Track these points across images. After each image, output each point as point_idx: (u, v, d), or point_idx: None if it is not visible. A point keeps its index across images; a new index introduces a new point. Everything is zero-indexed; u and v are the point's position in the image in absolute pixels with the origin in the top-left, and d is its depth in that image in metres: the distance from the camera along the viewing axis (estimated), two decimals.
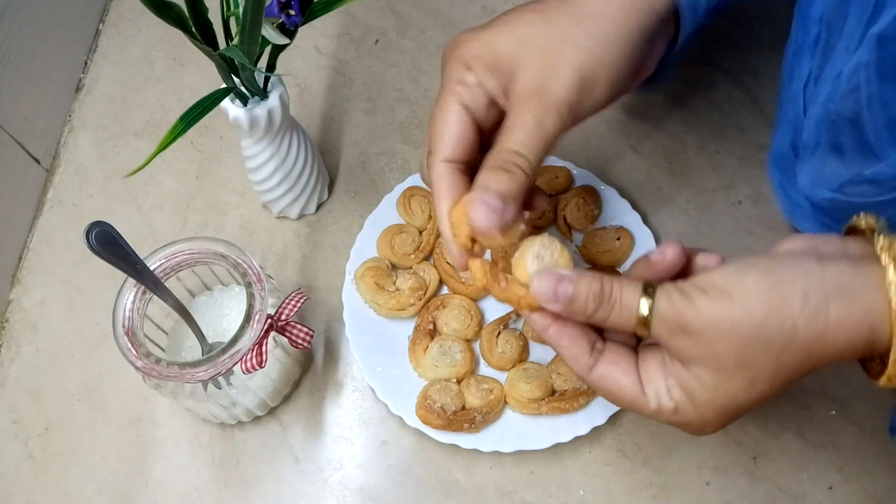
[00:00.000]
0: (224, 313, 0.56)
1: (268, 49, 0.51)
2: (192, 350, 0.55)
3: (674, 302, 0.36)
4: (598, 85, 0.41)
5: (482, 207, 0.39)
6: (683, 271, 0.40)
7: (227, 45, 0.48)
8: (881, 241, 0.35)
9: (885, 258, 0.34)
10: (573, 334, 0.40)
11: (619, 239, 0.60)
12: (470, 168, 0.44)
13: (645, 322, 0.37)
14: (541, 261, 0.39)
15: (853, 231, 0.38)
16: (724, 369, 0.36)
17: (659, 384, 0.38)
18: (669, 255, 0.39)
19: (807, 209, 0.55)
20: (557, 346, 0.41)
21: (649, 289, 0.37)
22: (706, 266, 0.40)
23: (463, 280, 0.59)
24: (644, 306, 0.37)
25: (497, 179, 0.40)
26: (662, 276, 0.40)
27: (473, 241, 0.41)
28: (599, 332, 0.42)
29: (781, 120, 0.58)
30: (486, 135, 0.45)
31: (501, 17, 0.44)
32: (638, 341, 0.42)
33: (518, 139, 0.40)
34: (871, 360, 0.37)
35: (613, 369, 0.40)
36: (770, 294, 0.34)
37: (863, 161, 0.46)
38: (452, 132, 0.43)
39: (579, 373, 0.41)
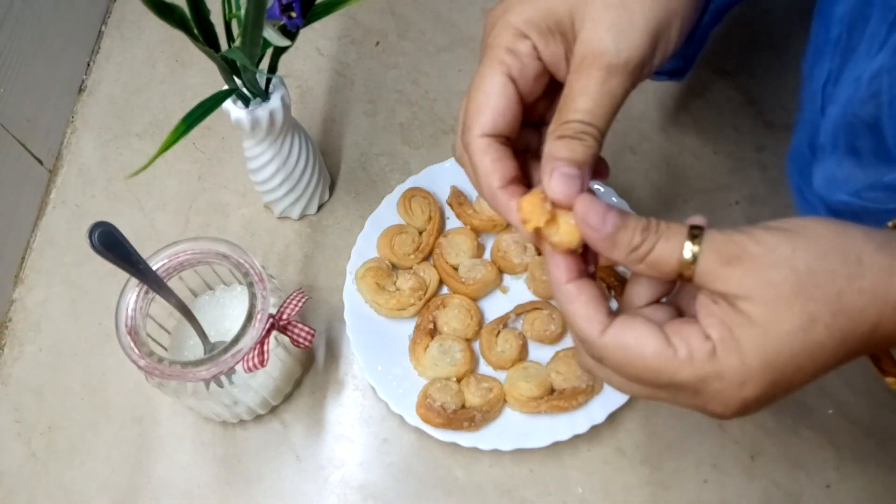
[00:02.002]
0: (226, 313, 0.57)
1: (269, 51, 0.51)
2: (195, 349, 0.55)
3: (726, 233, 0.33)
4: (671, 38, 0.38)
5: (561, 178, 0.35)
6: None
7: (229, 46, 0.48)
8: None
9: None
10: (593, 294, 0.36)
11: None
12: (510, 144, 0.40)
13: (690, 262, 0.33)
14: None
15: None
16: (782, 299, 0.31)
17: (690, 331, 0.33)
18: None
19: (821, 210, 0.55)
20: (573, 303, 0.36)
21: (694, 228, 0.34)
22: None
23: (463, 280, 0.59)
24: (691, 245, 0.33)
25: (571, 148, 0.36)
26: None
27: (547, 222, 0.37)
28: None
29: (801, 119, 0.58)
30: (527, 107, 0.40)
31: None
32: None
33: (585, 107, 0.36)
34: (884, 357, 0.36)
35: (630, 324, 0.34)
36: (832, 229, 0.32)
37: (880, 166, 0.46)
38: (495, 105, 0.38)
39: (589, 336, 0.35)
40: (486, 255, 0.62)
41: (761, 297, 0.31)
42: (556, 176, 0.35)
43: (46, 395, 0.59)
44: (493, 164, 0.38)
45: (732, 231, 0.33)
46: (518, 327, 0.59)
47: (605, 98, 0.36)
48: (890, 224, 0.38)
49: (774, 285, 0.31)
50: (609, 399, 0.55)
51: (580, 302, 0.36)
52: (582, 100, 0.36)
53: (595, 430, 0.54)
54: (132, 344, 0.48)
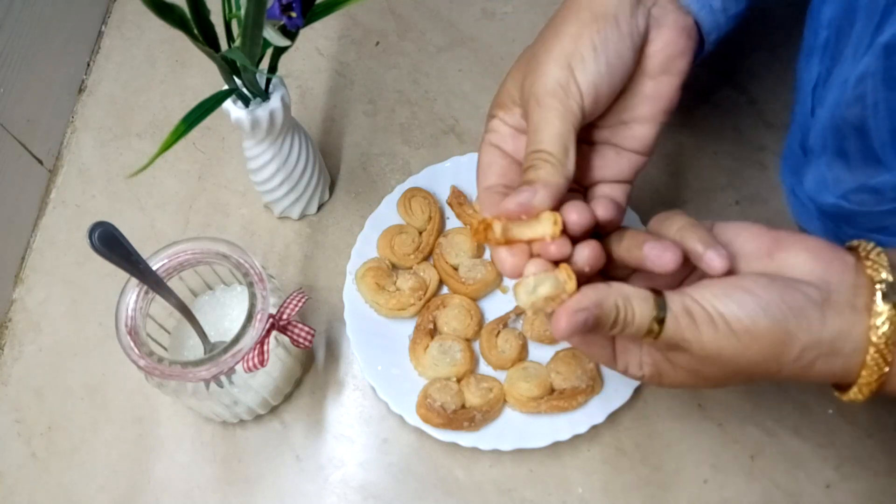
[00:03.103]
0: (226, 313, 0.57)
1: (269, 51, 0.51)
2: (195, 349, 0.55)
3: (681, 327, 0.37)
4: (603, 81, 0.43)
5: (511, 200, 0.40)
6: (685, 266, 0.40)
7: (229, 46, 0.48)
8: (882, 286, 0.37)
9: (880, 306, 0.36)
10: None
11: None
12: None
13: (652, 334, 0.38)
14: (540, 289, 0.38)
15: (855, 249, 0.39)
16: (702, 378, 0.40)
17: (631, 358, 0.42)
18: (666, 262, 0.38)
19: (813, 211, 0.56)
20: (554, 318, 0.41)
21: (660, 305, 0.38)
22: (711, 267, 0.39)
23: (463, 280, 0.59)
24: (653, 322, 0.38)
25: (526, 177, 0.41)
26: (660, 277, 0.40)
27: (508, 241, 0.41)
28: None
29: (793, 121, 0.58)
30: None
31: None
32: None
33: (537, 139, 0.42)
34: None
35: (591, 340, 0.43)
36: (773, 347, 0.36)
37: (867, 168, 0.46)
38: (486, 165, 0.46)
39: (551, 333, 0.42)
40: (487, 255, 0.62)
41: (689, 372, 0.40)
42: (507, 200, 0.40)
43: (46, 395, 0.59)
44: (493, 206, 0.44)
45: (686, 321, 0.37)
46: (518, 327, 0.59)
47: (553, 123, 0.42)
48: (847, 245, 0.40)
49: (702, 374, 0.39)
50: (609, 399, 0.55)
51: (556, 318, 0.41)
52: (535, 134, 0.42)
53: (595, 430, 0.54)
54: (132, 344, 0.48)
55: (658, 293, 0.38)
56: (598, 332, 0.38)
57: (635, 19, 0.44)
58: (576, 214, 0.39)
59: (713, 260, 0.38)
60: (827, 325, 0.36)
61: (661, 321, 0.37)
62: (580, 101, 0.42)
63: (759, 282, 0.37)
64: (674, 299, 0.38)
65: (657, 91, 0.45)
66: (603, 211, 0.40)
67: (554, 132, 0.41)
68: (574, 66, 0.42)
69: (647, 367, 0.42)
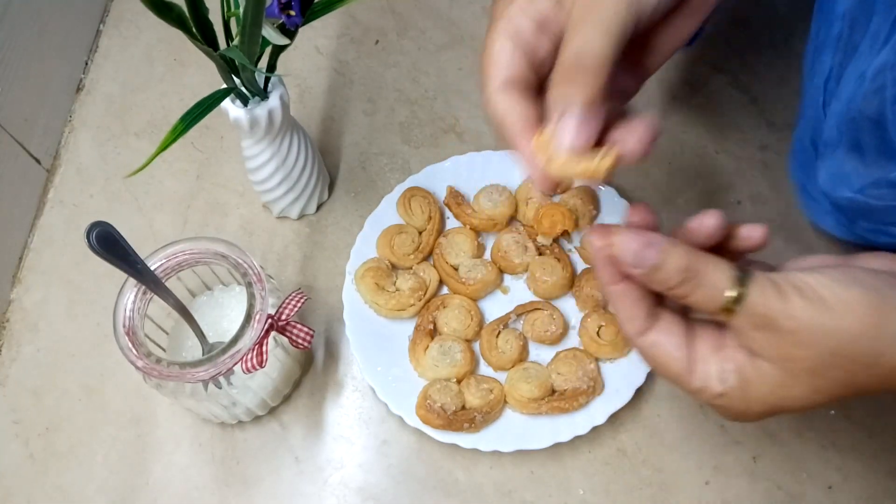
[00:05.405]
0: (224, 313, 0.57)
1: (268, 49, 0.51)
2: (193, 350, 0.55)
3: (767, 296, 0.34)
4: None
5: (564, 125, 0.36)
6: (723, 243, 0.39)
7: (228, 45, 0.48)
8: None
9: None
10: (636, 296, 0.38)
11: None
12: (537, 94, 0.40)
13: (728, 310, 0.35)
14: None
15: None
16: (795, 373, 0.34)
17: (711, 366, 0.37)
18: (707, 224, 0.37)
19: (825, 206, 0.55)
20: (617, 304, 0.39)
21: (741, 275, 0.35)
22: (750, 237, 0.38)
23: (463, 280, 0.59)
24: (732, 293, 0.35)
25: (564, 92, 0.36)
26: (701, 246, 0.38)
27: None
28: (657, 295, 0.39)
29: (802, 116, 0.58)
30: (545, 69, 0.40)
31: None
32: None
33: (575, 45, 0.36)
34: None
35: (665, 340, 0.38)
36: (870, 314, 0.33)
37: (884, 162, 0.46)
38: (501, 57, 0.39)
39: (628, 333, 0.39)
40: (487, 255, 0.62)
41: (779, 366, 0.35)
42: (559, 123, 0.36)
43: (44, 396, 0.59)
44: (521, 122, 0.39)
45: (773, 291, 0.34)
46: (518, 328, 0.58)
47: (598, 31, 0.36)
48: None
49: (794, 361, 0.34)
50: (610, 400, 0.54)
51: (622, 304, 0.38)
52: (574, 39, 0.36)
53: (596, 431, 0.54)
54: (130, 344, 0.48)
55: (740, 268, 0.35)
56: (659, 277, 0.35)
57: None
58: (633, 141, 0.36)
59: (753, 229, 0.37)
60: None
61: (737, 300, 0.34)
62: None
63: (841, 266, 0.35)
64: (757, 273, 0.35)
65: (684, 24, 0.41)
66: (648, 132, 0.37)
67: (613, 36, 0.36)
68: None
69: (730, 377, 0.36)
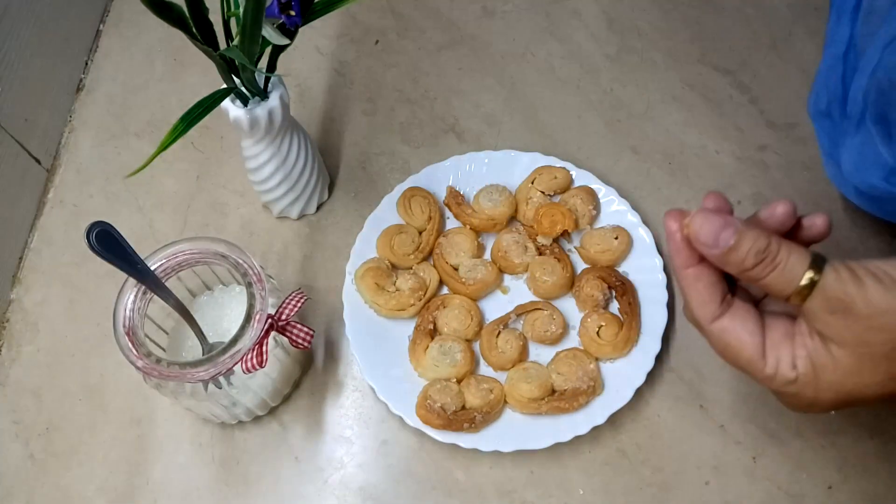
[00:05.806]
0: (224, 313, 0.56)
1: (268, 50, 0.51)
2: (193, 350, 0.55)
3: (843, 280, 0.34)
4: None
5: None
6: (792, 233, 0.39)
7: (228, 45, 0.48)
8: None
9: None
10: (711, 280, 0.38)
11: (616, 238, 0.60)
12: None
13: (803, 293, 0.35)
14: None
15: None
16: (870, 358, 0.34)
17: (784, 351, 0.37)
18: (779, 211, 0.37)
19: (850, 187, 0.54)
20: (689, 289, 0.39)
21: (818, 260, 0.35)
22: (813, 225, 0.38)
23: (463, 280, 0.59)
24: (807, 277, 0.35)
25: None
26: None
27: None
28: (729, 284, 0.40)
29: (818, 79, 0.56)
30: None
31: None
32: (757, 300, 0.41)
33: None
34: None
35: (739, 325, 0.38)
36: None
37: None
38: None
39: (700, 319, 0.39)
40: (487, 255, 0.62)
41: (854, 350, 0.34)
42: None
43: (44, 396, 0.59)
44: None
45: (848, 275, 0.34)
46: (519, 328, 0.58)
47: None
48: None
49: (869, 345, 0.34)
50: (610, 400, 0.54)
51: (696, 288, 0.38)
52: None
53: (596, 431, 0.54)
54: (130, 344, 0.48)
55: (815, 253, 0.36)
56: (734, 258, 0.35)
57: None
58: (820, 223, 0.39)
59: (816, 217, 0.38)
60: None
61: (813, 283, 0.34)
62: None
63: None
64: (832, 260, 0.35)
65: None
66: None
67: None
68: None
69: (801, 363, 0.36)
